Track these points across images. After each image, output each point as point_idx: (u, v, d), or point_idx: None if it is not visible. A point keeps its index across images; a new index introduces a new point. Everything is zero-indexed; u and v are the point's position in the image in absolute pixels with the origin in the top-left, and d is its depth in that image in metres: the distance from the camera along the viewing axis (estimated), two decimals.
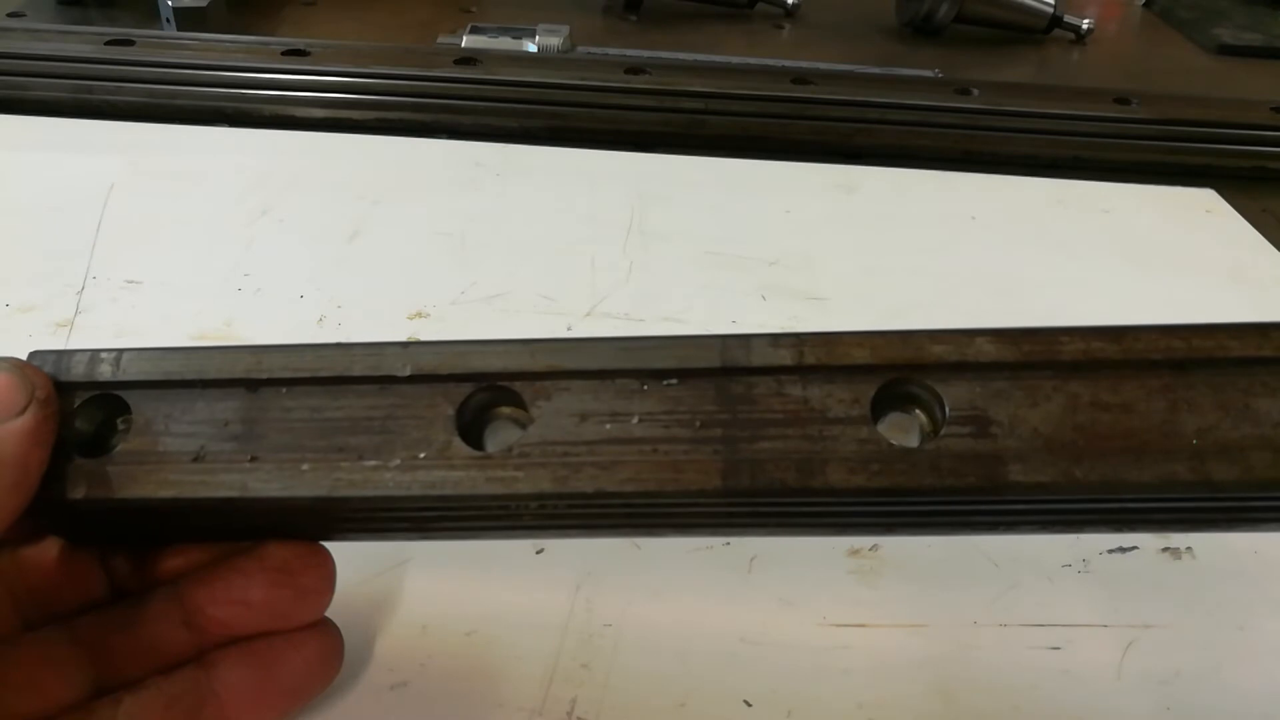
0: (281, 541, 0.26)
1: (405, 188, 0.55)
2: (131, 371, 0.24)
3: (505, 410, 0.24)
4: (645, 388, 0.23)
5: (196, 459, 0.24)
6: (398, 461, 0.23)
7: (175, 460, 0.24)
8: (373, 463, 0.23)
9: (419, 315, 0.45)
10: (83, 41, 0.64)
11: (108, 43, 0.64)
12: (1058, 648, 0.31)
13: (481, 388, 0.24)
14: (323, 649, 0.27)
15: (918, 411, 0.23)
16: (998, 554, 0.34)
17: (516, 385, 0.24)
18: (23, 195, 0.52)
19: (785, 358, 0.23)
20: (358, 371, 0.24)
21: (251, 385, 0.24)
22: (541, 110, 0.64)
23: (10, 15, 0.78)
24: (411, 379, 0.24)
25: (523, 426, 0.23)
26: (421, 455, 0.23)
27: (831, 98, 0.64)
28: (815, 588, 0.33)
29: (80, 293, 0.45)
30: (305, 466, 0.23)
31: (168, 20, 0.74)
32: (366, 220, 0.52)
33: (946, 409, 0.22)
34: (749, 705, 0.29)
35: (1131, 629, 0.32)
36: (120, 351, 0.25)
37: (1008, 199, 0.59)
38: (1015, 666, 0.31)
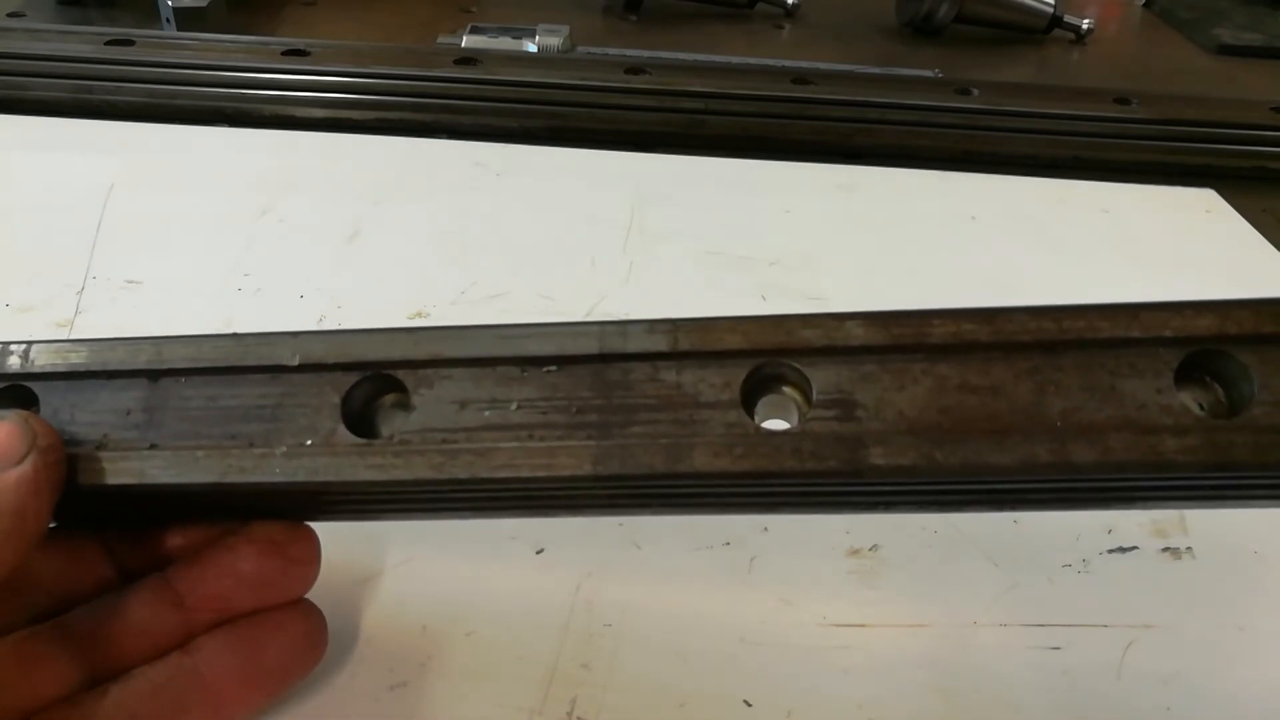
0: (266, 520, 0.26)
1: (405, 188, 0.55)
2: (40, 363, 0.25)
3: (390, 398, 0.25)
4: (525, 374, 0.24)
5: (100, 446, 0.24)
6: (284, 449, 0.24)
7: (80, 448, 0.24)
8: (261, 450, 0.24)
9: (419, 315, 0.45)
10: (83, 41, 0.64)
11: (108, 43, 0.64)
12: (1058, 648, 0.31)
13: (366, 376, 0.24)
14: (307, 629, 0.27)
15: (788, 390, 0.23)
16: (998, 554, 0.34)
17: (400, 373, 0.24)
18: (23, 195, 0.52)
19: (660, 343, 0.24)
20: (251, 361, 0.25)
21: (153, 375, 0.25)
22: (541, 110, 0.64)
23: (10, 15, 0.78)
24: (300, 368, 0.25)
25: (407, 414, 0.24)
26: (308, 442, 0.24)
27: (831, 98, 0.64)
28: (815, 588, 0.33)
29: (80, 293, 0.45)
30: (200, 454, 0.24)
31: (168, 20, 0.74)
32: (366, 220, 0.52)
33: (814, 392, 0.23)
34: (749, 705, 0.29)
35: (1131, 629, 0.32)
36: (29, 344, 0.26)
37: (1008, 199, 0.59)
38: (1015, 666, 0.31)
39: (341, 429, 0.24)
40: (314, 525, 0.27)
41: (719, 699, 0.29)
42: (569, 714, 0.28)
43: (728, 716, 0.29)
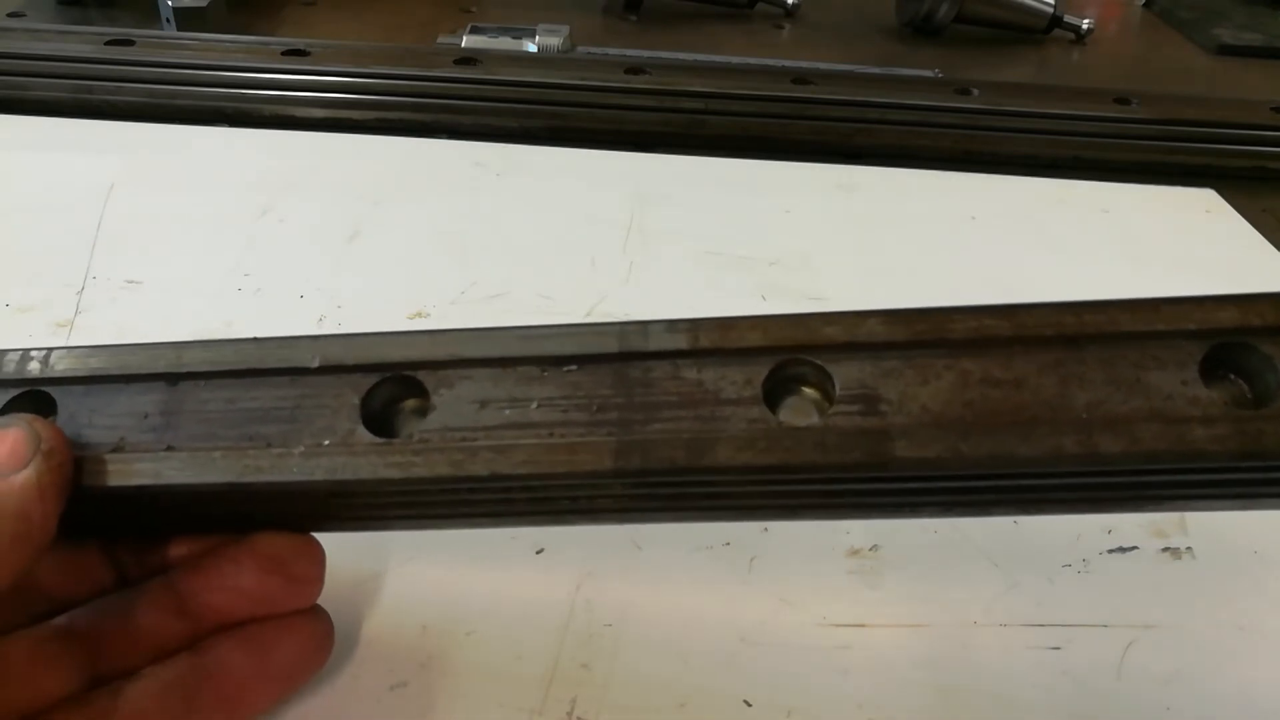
0: (272, 532, 0.26)
1: (405, 188, 0.55)
2: (59, 368, 0.25)
3: (410, 403, 0.25)
4: (545, 374, 0.24)
5: (116, 449, 0.24)
6: (302, 448, 0.24)
7: (96, 451, 0.24)
8: (279, 450, 0.24)
9: (419, 315, 0.45)
10: (83, 41, 0.64)
11: (108, 43, 0.64)
12: (1058, 648, 0.31)
13: (386, 377, 0.24)
14: (315, 632, 0.27)
15: (810, 391, 0.23)
16: (998, 554, 0.34)
17: (420, 374, 0.24)
18: (23, 195, 0.52)
19: (681, 342, 0.24)
20: (270, 364, 0.25)
21: (172, 379, 0.25)
22: (541, 110, 0.64)
23: (10, 15, 0.78)
24: (320, 370, 0.25)
25: (426, 414, 0.24)
26: (326, 442, 0.24)
27: (831, 98, 0.64)
28: (815, 588, 0.33)
29: (80, 293, 0.45)
30: (217, 454, 0.24)
31: (168, 20, 0.74)
32: (366, 220, 0.52)
33: (836, 388, 0.23)
34: (749, 705, 0.29)
35: (1131, 629, 0.32)
36: (50, 350, 0.26)
37: (1008, 199, 0.59)
38: (1015, 666, 0.31)
39: (361, 429, 0.24)
40: (326, 536, 0.27)
41: (719, 699, 0.29)
42: (569, 714, 0.28)
43: (728, 716, 0.29)
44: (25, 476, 0.22)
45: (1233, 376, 0.22)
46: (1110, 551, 0.35)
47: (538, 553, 0.33)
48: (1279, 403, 0.21)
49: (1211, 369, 0.22)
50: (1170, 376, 0.22)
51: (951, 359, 0.23)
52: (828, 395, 0.23)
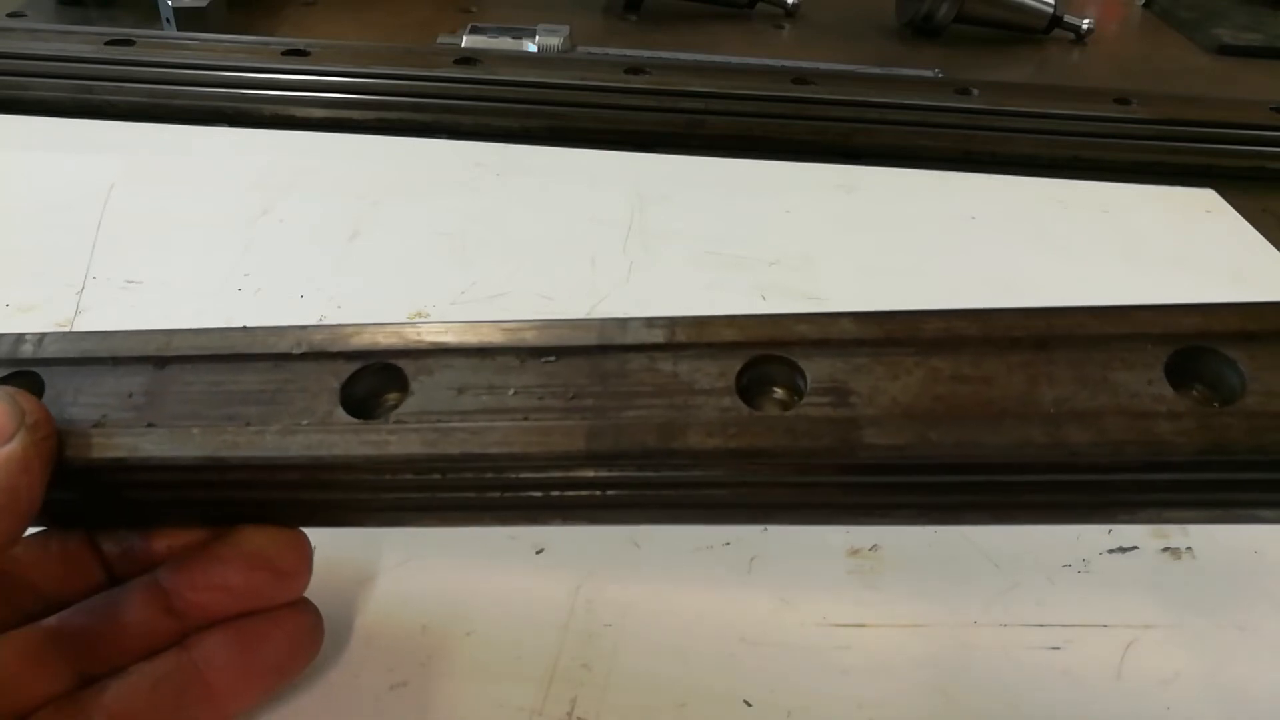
0: (258, 527, 0.26)
1: (405, 188, 0.55)
2: (51, 351, 0.26)
3: (390, 385, 0.25)
4: (523, 364, 0.24)
5: (96, 425, 0.25)
6: (278, 426, 0.24)
7: (76, 425, 0.25)
8: (256, 428, 0.24)
9: (419, 315, 0.45)
10: (83, 41, 0.64)
11: (108, 43, 0.64)
12: (1058, 648, 0.31)
13: (368, 365, 0.25)
14: (302, 624, 0.27)
15: (782, 384, 0.24)
16: (998, 554, 0.34)
17: (401, 362, 0.25)
18: (23, 195, 0.52)
19: (658, 336, 0.24)
20: (256, 350, 0.25)
21: (159, 362, 0.26)
22: (541, 110, 0.64)
23: (10, 15, 0.78)
24: (303, 356, 0.25)
25: (404, 399, 0.24)
26: (304, 422, 0.24)
27: (831, 98, 0.64)
28: (815, 588, 0.33)
29: (80, 293, 0.45)
30: (195, 431, 0.24)
31: (168, 20, 0.74)
32: (366, 220, 0.52)
33: (808, 382, 0.23)
34: (749, 705, 0.29)
35: (1131, 629, 0.32)
36: (44, 334, 0.26)
37: (1008, 199, 0.59)
38: (1015, 666, 0.31)
39: (339, 410, 0.24)
40: (311, 531, 0.27)
41: (719, 699, 0.29)
42: (569, 714, 0.28)
43: (728, 716, 0.29)
44: (11, 449, 0.22)
45: (1199, 386, 0.23)
46: (1110, 551, 0.35)
47: (538, 553, 0.33)
48: (1243, 403, 0.21)
49: (1176, 374, 0.22)
50: (1137, 377, 0.22)
51: (922, 357, 0.23)
52: (799, 388, 0.23)
